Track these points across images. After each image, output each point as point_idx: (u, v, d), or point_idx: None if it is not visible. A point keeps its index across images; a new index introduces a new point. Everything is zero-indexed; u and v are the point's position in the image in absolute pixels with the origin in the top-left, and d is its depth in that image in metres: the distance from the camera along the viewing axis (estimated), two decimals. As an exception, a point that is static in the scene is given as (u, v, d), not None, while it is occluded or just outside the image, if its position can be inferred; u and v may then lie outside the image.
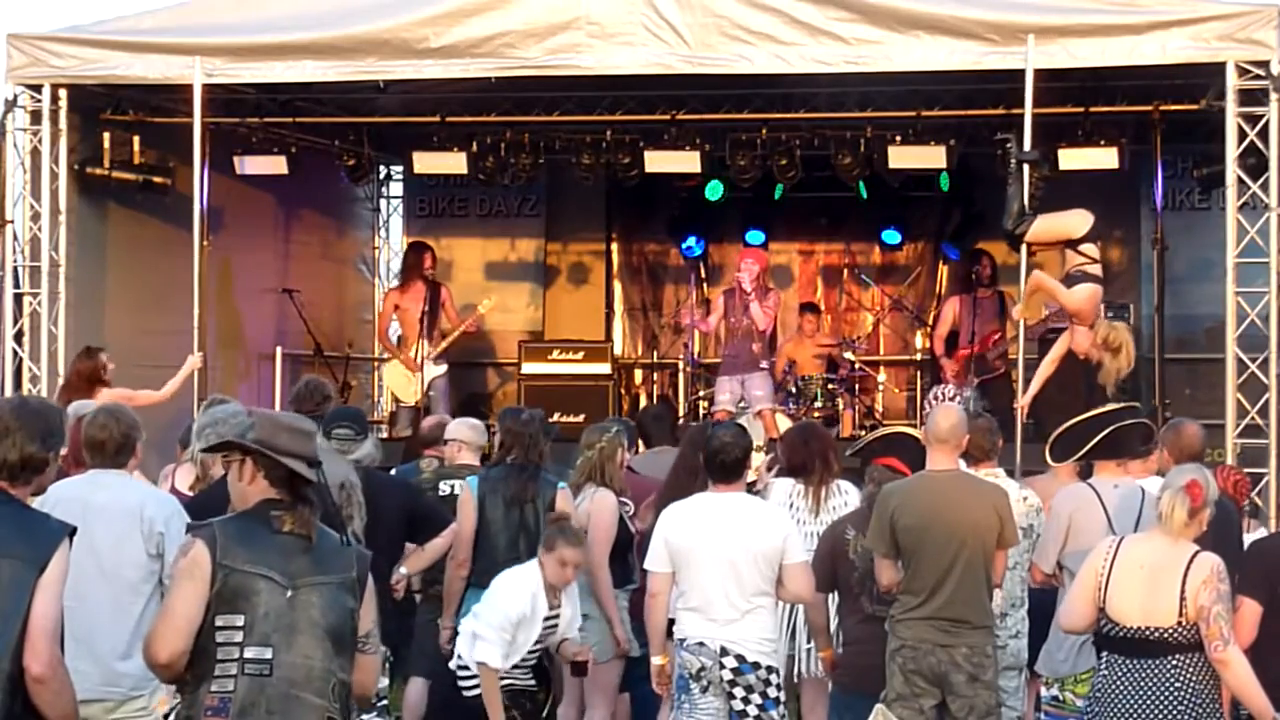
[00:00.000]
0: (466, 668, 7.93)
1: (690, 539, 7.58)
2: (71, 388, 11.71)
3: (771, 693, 7.56)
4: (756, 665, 7.52)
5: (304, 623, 5.01)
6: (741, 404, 14.20)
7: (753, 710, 7.52)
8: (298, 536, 5.06)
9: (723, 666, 7.50)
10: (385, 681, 7.99)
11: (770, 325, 14.43)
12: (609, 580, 8.76)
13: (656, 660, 7.81)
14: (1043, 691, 8.31)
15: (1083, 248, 11.93)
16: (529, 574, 7.95)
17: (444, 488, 9.40)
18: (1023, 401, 11.67)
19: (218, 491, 6.14)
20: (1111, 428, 8.11)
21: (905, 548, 7.55)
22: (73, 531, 5.11)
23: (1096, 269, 12.02)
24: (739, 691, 7.51)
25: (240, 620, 4.96)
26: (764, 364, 14.34)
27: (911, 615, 7.52)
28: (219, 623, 4.96)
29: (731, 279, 15.24)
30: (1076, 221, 12.07)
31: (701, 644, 7.54)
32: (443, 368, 15.84)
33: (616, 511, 8.84)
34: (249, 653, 4.96)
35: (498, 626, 7.83)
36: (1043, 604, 8.38)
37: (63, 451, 5.79)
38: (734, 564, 7.50)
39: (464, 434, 9.79)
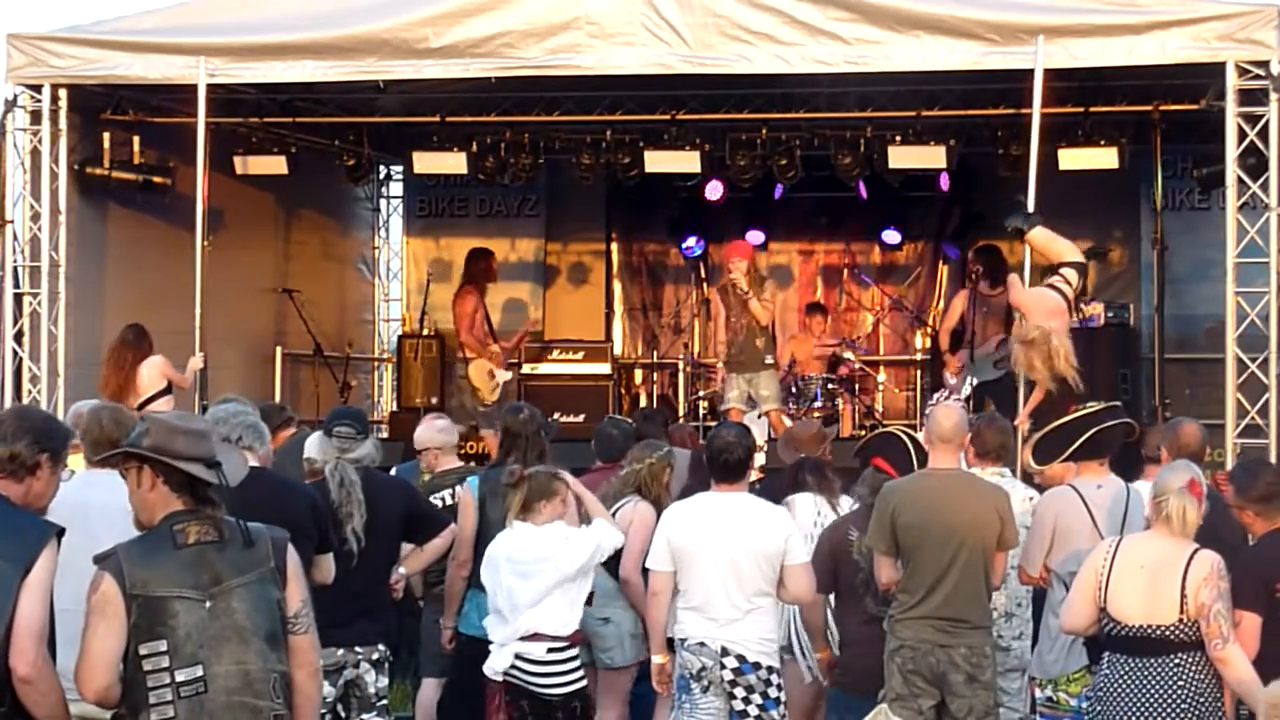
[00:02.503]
0: (560, 663, 7.84)
1: (692, 538, 7.58)
2: (119, 360, 12.20)
3: (772, 693, 7.56)
4: (757, 665, 7.52)
5: (230, 630, 4.99)
6: (750, 403, 14.15)
7: (753, 710, 7.52)
8: (206, 544, 5.02)
9: (723, 667, 7.51)
10: (385, 681, 7.97)
11: (771, 319, 14.32)
12: (643, 587, 8.74)
13: (657, 659, 7.81)
14: (1037, 693, 8.32)
15: (1064, 271, 11.81)
16: (558, 532, 7.90)
17: (434, 501, 9.32)
18: (1022, 416, 11.51)
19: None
20: (1094, 430, 8.12)
21: (905, 545, 7.57)
22: (61, 532, 5.09)
23: (1066, 289, 11.82)
24: (739, 691, 7.51)
25: (163, 645, 4.95)
26: (769, 359, 14.24)
27: (910, 615, 7.53)
28: (143, 651, 4.94)
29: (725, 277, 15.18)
30: (1070, 250, 11.95)
31: (702, 644, 7.54)
32: (510, 372, 15.91)
33: (654, 526, 8.77)
34: (180, 676, 4.94)
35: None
36: (1039, 603, 8.41)
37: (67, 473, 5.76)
38: (735, 563, 7.50)
39: (435, 439, 9.70)
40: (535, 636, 7.76)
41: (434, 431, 9.75)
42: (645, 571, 8.52)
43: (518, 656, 7.78)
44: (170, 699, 4.94)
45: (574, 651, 7.90)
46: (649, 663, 8.05)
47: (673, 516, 7.74)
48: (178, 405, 12.46)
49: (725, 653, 7.51)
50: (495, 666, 7.85)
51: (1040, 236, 11.84)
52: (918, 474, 7.88)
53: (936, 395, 11.73)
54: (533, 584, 7.78)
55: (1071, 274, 11.68)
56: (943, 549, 7.51)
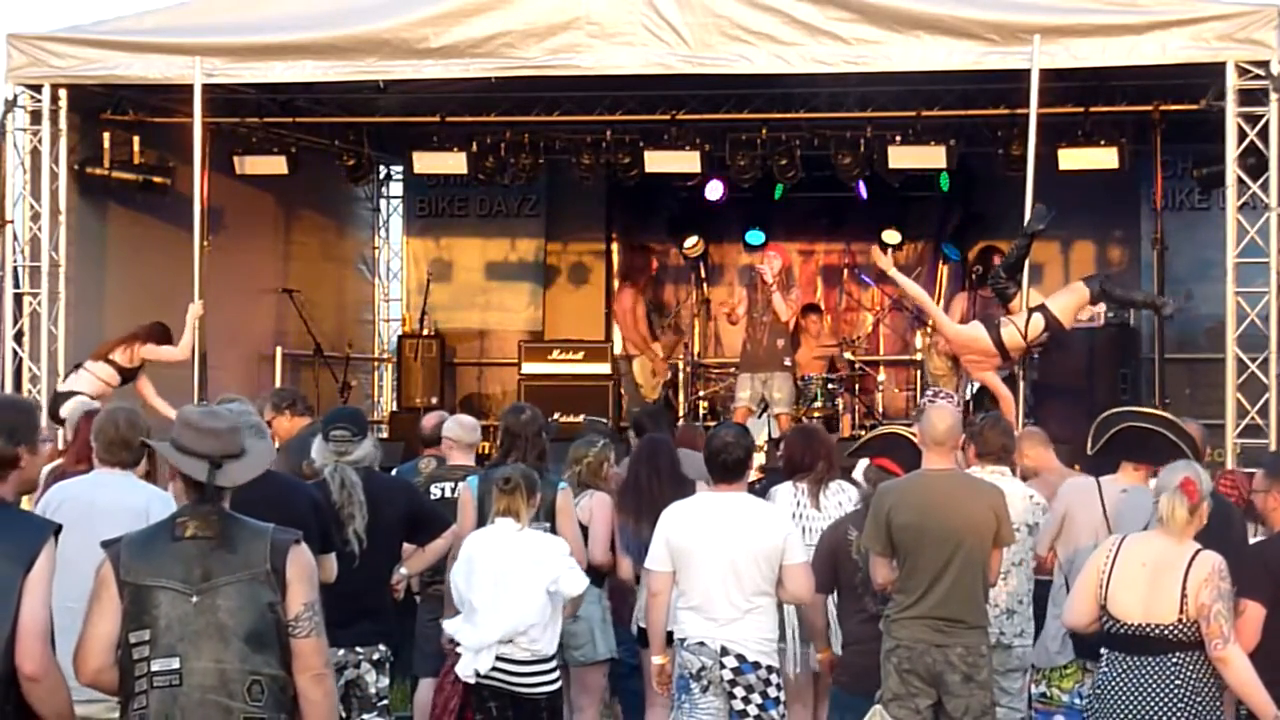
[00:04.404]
0: (539, 661, 7.82)
1: (691, 538, 7.57)
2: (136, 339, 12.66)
3: (772, 692, 7.55)
4: (757, 665, 7.51)
5: (212, 627, 4.98)
6: (762, 403, 14.11)
7: (753, 710, 7.51)
8: (201, 539, 5.03)
9: (723, 666, 7.50)
10: (385, 681, 7.96)
11: (792, 318, 14.35)
12: (613, 565, 8.81)
13: (657, 659, 7.80)
14: (1032, 689, 8.34)
15: (1035, 317, 11.76)
16: (561, 548, 7.99)
17: (435, 491, 9.37)
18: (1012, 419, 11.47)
19: None
20: (1117, 428, 8.11)
21: (901, 546, 7.55)
22: (58, 529, 5.10)
23: (1014, 336, 11.76)
24: (739, 691, 7.50)
25: (146, 635, 4.97)
26: (786, 361, 14.21)
27: (906, 615, 7.52)
28: (131, 639, 4.97)
29: (733, 278, 15.22)
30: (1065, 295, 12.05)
31: (701, 644, 7.53)
32: (669, 372, 15.87)
33: (610, 509, 8.89)
34: (155, 665, 4.96)
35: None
36: (1039, 599, 8.43)
37: (46, 448, 5.77)
38: (734, 563, 7.49)
39: (455, 432, 9.75)
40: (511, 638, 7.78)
41: (457, 426, 9.82)
42: (614, 551, 8.75)
43: (500, 658, 7.75)
44: (145, 688, 4.96)
45: (554, 649, 7.91)
46: (643, 662, 8.04)
47: (672, 516, 7.74)
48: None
49: (725, 652, 7.50)
50: (477, 668, 7.76)
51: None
52: (913, 474, 7.87)
53: (927, 394, 11.70)
54: (528, 589, 7.79)
55: (1038, 321, 11.61)
56: (939, 549, 7.50)
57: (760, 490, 8.78)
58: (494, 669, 7.75)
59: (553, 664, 7.86)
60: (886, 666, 7.53)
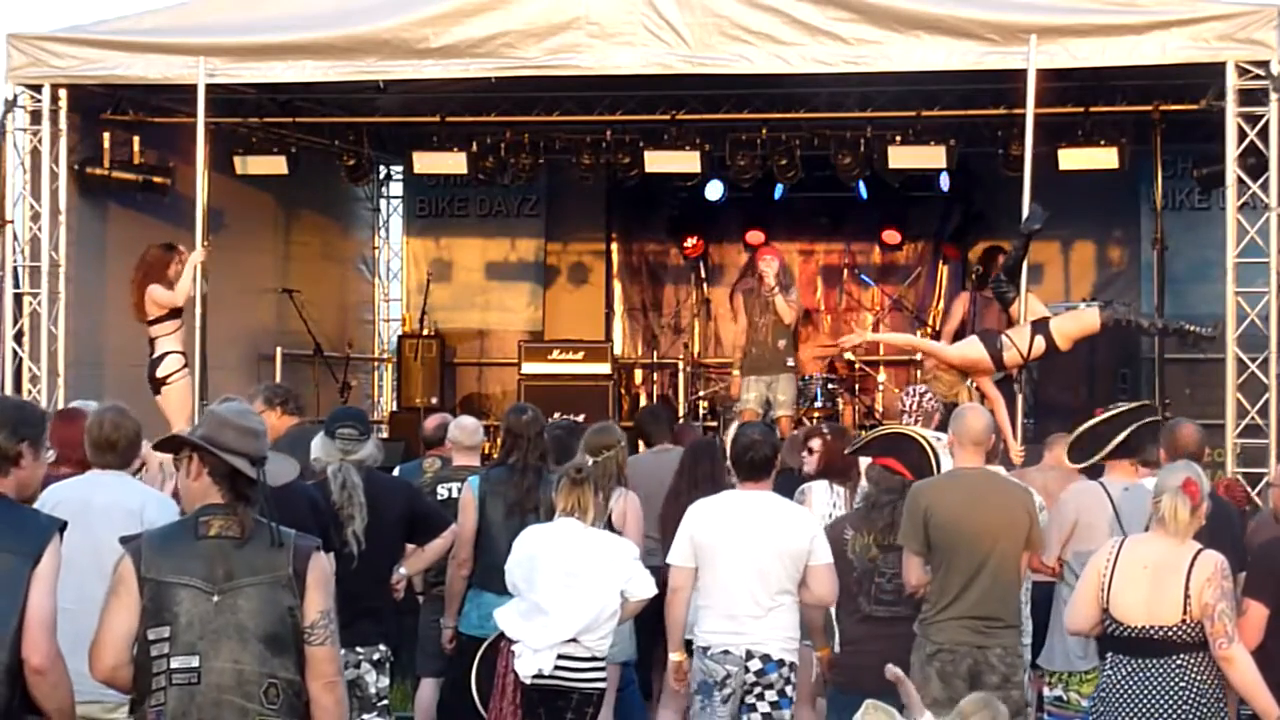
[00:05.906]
0: (591, 659, 7.73)
1: (716, 536, 7.57)
2: (136, 279, 12.65)
3: (789, 691, 7.57)
4: (781, 663, 7.51)
5: (231, 627, 4.98)
6: (765, 405, 14.08)
7: (764, 707, 7.50)
8: (225, 539, 5.03)
9: (747, 670, 7.49)
10: (385, 681, 7.97)
11: (795, 319, 14.33)
12: None
13: (674, 657, 7.76)
14: (1045, 691, 8.32)
15: (1019, 331, 11.77)
16: (630, 550, 7.93)
17: (441, 491, 9.39)
18: (1017, 449, 11.37)
19: None
20: (1131, 428, 8.11)
21: (938, 545, 7.53)
22: (63, 526, 5.12)
23: (1011, 352, 11.76)
24: (756, 689, 7.49)
25: (166, 632, 4.96)
26: (789, 362, 14.18)
27: (944, 616, 7.48)
28: (150, 636, 4.97)
29: (733, 278, 15.20)
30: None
31: (726, 652, 7.50)
32: None
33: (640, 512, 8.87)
34: (174, 663, 4.96)
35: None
36: (1038, 599, 8.42)
37: (50, 452, 5.77)
38: (759, 561, 7.49)
39: (457, 435, 9.78)
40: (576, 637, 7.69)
41: (458, 429, 9.85)
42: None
43: (561, 656, 7.67)
44: (164, 685, 4.95)
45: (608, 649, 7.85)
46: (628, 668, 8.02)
47: (697, 513, 7.72)
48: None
49: (750, 655, 7.49)
50: (540, 667, 7.66)
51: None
52: (948, 473, 7.85)
53: (911, 389, 11.66)
54: (600, 589, 7.70)
55: (1040, 343, 11.58)
56: (975, 548, 7.47)
57: (780, 488, 8.77)
58: (557, 667, 7.66)
59: (604, 662, 7.81)
60: (927, 670, 7.44)
